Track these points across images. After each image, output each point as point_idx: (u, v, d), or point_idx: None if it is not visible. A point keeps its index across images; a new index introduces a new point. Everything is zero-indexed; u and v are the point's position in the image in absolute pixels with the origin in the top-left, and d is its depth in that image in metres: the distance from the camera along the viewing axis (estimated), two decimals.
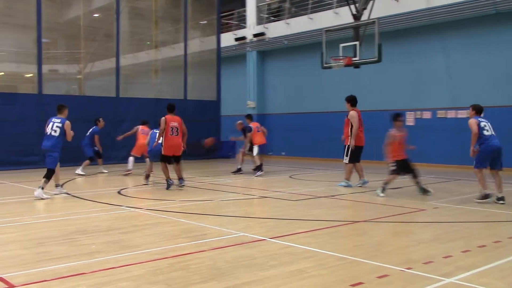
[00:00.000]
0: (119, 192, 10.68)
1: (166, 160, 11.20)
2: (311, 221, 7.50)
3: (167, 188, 10.95)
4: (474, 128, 9.12)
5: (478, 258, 5.33)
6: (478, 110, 9.53)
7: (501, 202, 9.07)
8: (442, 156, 17.43)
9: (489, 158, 9.17)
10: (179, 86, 21.22)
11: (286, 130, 22.92)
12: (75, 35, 19.35)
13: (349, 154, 11.46)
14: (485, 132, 9.14)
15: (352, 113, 11.47)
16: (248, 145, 14.73)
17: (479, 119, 9.34)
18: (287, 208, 8.84)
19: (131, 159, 14.42)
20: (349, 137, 11.45)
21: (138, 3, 21.89)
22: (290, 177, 14.20)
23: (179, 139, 11.12)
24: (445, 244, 6.08)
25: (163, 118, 11.11)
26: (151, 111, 18.49)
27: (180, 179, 11.30)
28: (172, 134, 11.00)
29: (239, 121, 15.38)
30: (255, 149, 14.58)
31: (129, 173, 14.22)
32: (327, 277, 4.65)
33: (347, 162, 11.54)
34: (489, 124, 9.33)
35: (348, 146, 11.46)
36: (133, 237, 6.36)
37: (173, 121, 11.07)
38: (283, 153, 22.94)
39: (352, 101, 11.71)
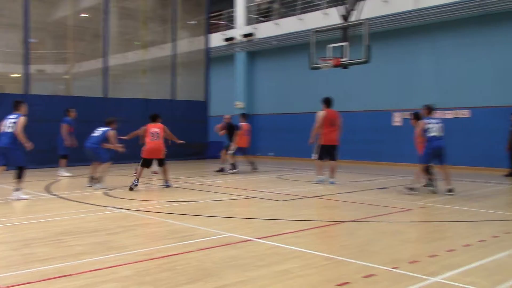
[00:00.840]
0: (106, 193, 10.63)
1: (146, 163, 11.47)
2: (298, 221, 7.52)
3: (130, 188, 10.83)
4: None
5: (463, 257, 5.38)
6: (430, 110, 10.46)
7: (450, 193, 9.95)
8: None
9: (430, 156, 10.05)
10: (167, 86, 21.18)
11: (274, 131, 22.94)
12: (63, 35, 19.24)
13: (318, 151, 12.14)
14: (429, 133, 10.02)
15: (318, 113, 12.08)
16: (233, 145, 14.91)
17: (428, 119, 10.20)
18: (274, 209, 8.85)
19: None
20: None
21: (127, 3, 21.81)
22: (278, 177, 14.22)
23: (159, 143, 11.46)
24: (430, 243, 6.14)
25: (143, 127, 11.71)
26: (139, 111, 18.41)
27: (166, 181, 11.61)
28: (153, 139, 11.38)
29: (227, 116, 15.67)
30: (233, 148, 14.89)
31: (155, 173, 13.75)
32: (314, 277, 4.67)
33: (316, 159, 12.23)
34: (438, 124, 10.13)
35: (318, 144, 12.17)
36: (119, 238, 6.33)
37: (154, 127, 11.51)
38: (272, 154, 22.95)
39: (326, 102, 12.25)
